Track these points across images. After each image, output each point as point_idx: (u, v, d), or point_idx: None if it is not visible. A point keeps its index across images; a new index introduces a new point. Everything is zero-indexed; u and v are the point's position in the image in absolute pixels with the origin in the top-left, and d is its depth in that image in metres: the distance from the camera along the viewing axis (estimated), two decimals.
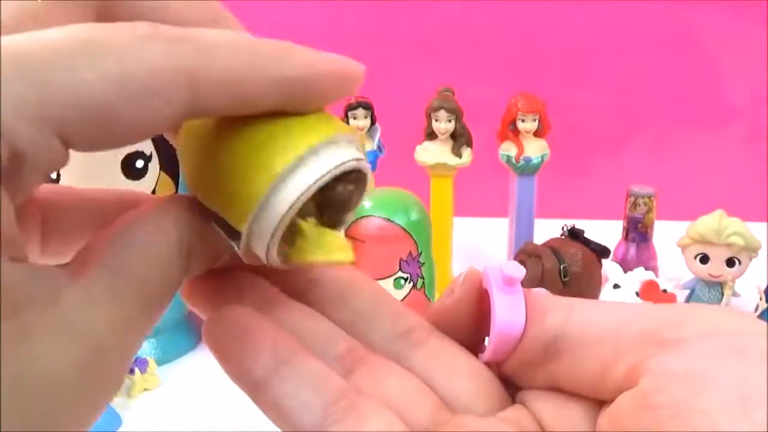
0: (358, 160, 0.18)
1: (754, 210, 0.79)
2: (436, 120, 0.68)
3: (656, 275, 0.67)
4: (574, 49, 0.86)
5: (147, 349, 0.60)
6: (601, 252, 0.63)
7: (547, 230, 0.68)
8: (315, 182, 0.17)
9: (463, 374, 0.20)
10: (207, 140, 0.18)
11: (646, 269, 0.65)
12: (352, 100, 0.69)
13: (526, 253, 0.62)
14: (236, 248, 0.18)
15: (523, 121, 0.69)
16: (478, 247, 0.81)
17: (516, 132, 0.70)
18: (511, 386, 0.20)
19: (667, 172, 0.86)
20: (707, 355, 0.16)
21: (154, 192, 0.57)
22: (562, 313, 0.19)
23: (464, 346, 0.21)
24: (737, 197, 0.73)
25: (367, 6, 0.85)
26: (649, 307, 0.19)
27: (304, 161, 0.17)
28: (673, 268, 0.68)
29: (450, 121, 0.68)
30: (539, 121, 0.70)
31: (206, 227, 0.18)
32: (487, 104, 0.73)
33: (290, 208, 0.17)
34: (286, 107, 0.17)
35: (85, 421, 0.16)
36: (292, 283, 0.21)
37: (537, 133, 0.70)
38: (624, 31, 0.86)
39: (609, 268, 0.64)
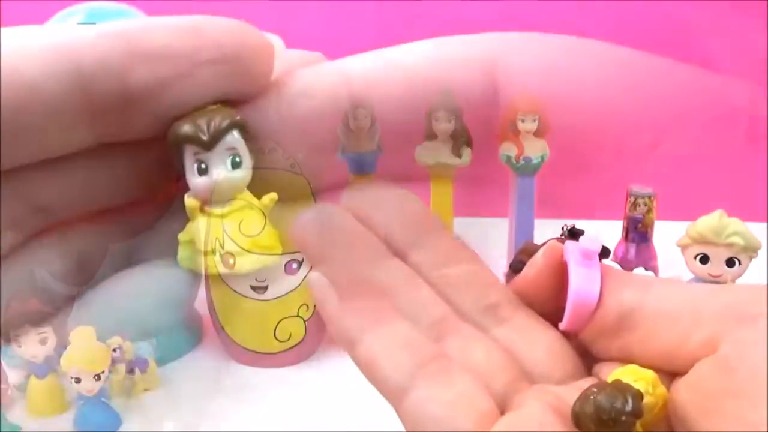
0: None
1: (754, 210, 0.79)
2: (436, 120, 0.68)
3: (656, 275, 0.67)
4: None
5: (147, 349, 0.60)
6: (601, 252, 0.63)
7: (547, 230, 0.68)
8: None
9: (541, 346, 0.22)
10: None
11: (646, 269, 0.65)
12: None
13: (526, 253, 0.62)
14: None
15: (523, 121, 0.69)
16: (478, 247, 0.80)
17: (516, 132, 0.70)
18: (588, 359, 0.21)
19: (667, 172, 0.86)
20: None
21: None
22: (639, 287, 0.20)
23: (544, 317, 0.22)
24: (737, 197, 0.73)
25: (367, 6, 0.85)
26: (724, 286, 0.20)
27: None
28: (673, 268, 0.68)
29: (450, 121, 0.68)
30: (539, 121, 0.70)
31: None
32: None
33: None
34: None
35: None
36: (397, 241, 0.22)
37: (537, 133, 0.70)
38: (623, 31, 0.86)
39: None
